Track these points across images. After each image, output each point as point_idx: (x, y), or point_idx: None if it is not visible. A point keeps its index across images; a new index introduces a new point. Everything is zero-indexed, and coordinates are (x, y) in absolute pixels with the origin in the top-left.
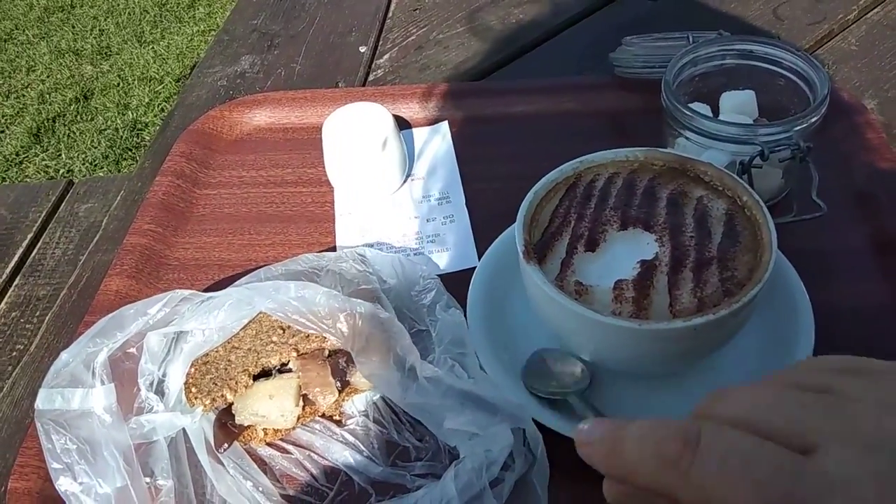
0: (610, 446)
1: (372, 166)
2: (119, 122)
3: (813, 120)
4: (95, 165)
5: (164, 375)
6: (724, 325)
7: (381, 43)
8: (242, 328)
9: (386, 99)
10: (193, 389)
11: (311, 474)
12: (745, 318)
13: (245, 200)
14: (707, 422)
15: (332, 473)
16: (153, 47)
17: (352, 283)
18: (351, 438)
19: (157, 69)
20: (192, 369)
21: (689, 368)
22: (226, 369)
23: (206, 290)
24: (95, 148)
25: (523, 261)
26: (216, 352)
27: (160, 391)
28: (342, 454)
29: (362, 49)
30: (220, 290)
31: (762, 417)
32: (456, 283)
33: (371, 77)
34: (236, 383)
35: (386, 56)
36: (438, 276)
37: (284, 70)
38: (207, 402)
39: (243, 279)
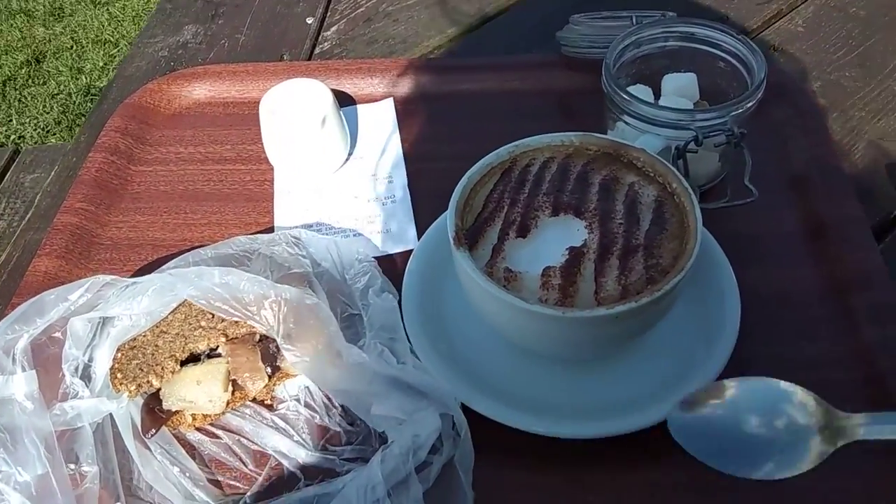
0: None
1: (311, 145)
2: (72, 86)
3: (748, 105)
4: (48, 132)
5: (90, 360)
6: (646, 313)
7: (328, 14)
8: (171, 312)
9: (330, 74)
10: (119, 375)
11: (241, 459)
12: (668, 305)
13: (182, 178)
14: None
15: (261, 458)
16: (108, 9)
17: (282, 268)
18: (281, 423)
19: (112, 32)
20: (119, 354)
21: (616, 353)
22: (153, 354)
23: (137, 272)
24: (48, 113)
25: (454, 247)
26: (144, 336)
27: (87, 376)
28: (272, 439)
29: (309, 20)
30: (153, 271)
31: None
32: (396, 264)
33: (317, 50)
34: (162, 369)
35: (333, 28)
36: (378, 257)
37: (228, 41)
38: (133, 387)
39: (171, 262)
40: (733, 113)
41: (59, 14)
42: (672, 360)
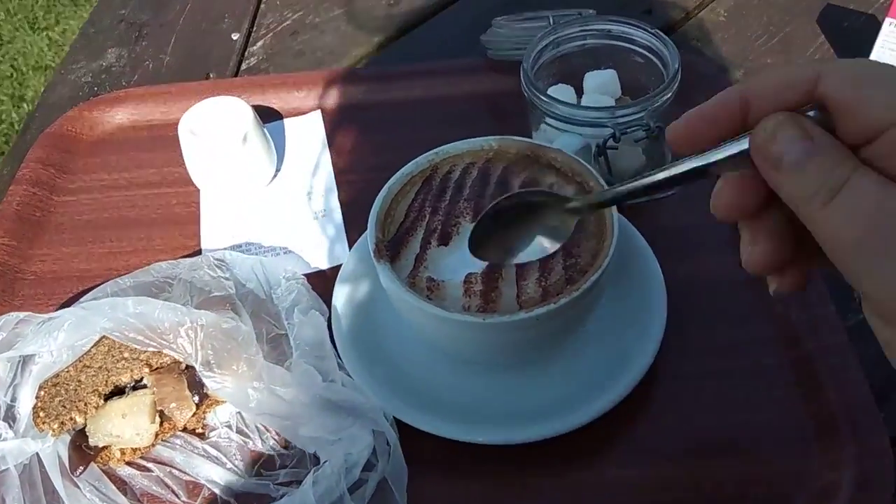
0: None
1: (234, 164)
2: (15, 115)
3: (664, 98)
4: None
5: (13, 400)
6: (567, 313)
7: (254, 29)
8: (94, 345)
9: (255, 89)
10: (42, 413)
11: (173, 491)
12: (590, 304)
13: (106, 205)
14: None
15: (193, 489)
16: (48, 34)
17: (203, 292)
18: (213, 451)
19: (53, 57)
20: (42, 392)
21: (547, 355)
22: (75, 390)
23: (62, 305)
24: None
25: (374, 259)
26: (67, 372)
27: (11, 417)
28: (204, 468)
29: (235, 36)
30: (78, 303)
31: None
32: (327, 280)
33: (244, 66)
34: (86, 405)
35: (259, 43)
36: (310, 274)
37: (153, 62)
38: (56, 426)
39: (89, 294)
40: (650, 107)
41: None
42: (604, 356)
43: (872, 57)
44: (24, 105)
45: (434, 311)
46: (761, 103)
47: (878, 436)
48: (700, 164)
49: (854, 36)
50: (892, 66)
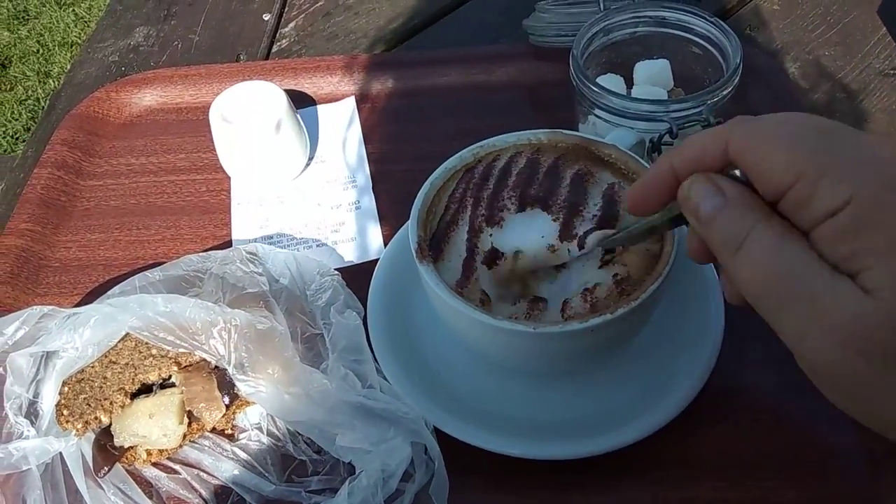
0: None
1: (267, 152)
2: (41, 91)
3: (725, 93)
4: (17, 139)
5: (35, 396)
6: (621, 324)
7: (286, 10)
8: (121, 340)
9: (287, 73)
10: (65, 412)
11: (200, 495)
12: (645, 315)
13: (134, 191)
14: None
15: (222, 493)
16: (73, 9)
17: (236, 288)
18: (243, 454)
19: (80, 33)
20: (66, 388)
21: (595, 367)
22: (101, 388)
23: (88, 295)
24: (16, 120)
25: (417, 261)
26: (92, 367)
27: (33, 413)
28: (233, 472)
29: (266, 17)
30: (103, 294)
31: None
32: (362, 275)
33: (275, 48)
34: (111, 403)
35: (291, 24)
36: (343, 268)
37: (182, 42)
38: (79, 425)
39: (116, 288)
40: (709, 101)
41: (23, 17)
42: (657, 370)
43: None
44: (50, 81)
45: (482, 318)
46: (687, 173)
47: None
48: (652, 223)
49: None
50: (794, 121)
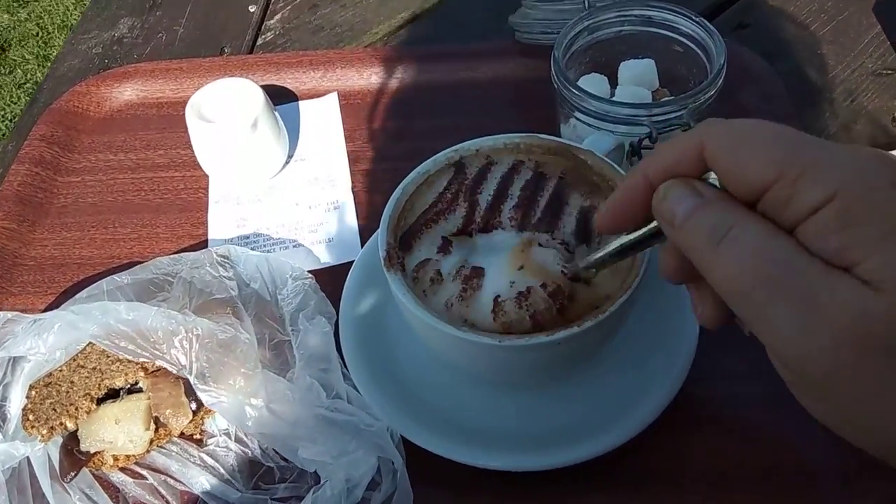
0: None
1: (244, 151)
2: (40, 74)
3: (708, 95)
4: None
5: (3, 400)
6: (588, 337)
7: (272, 1)
8: (89, 343)
9: (270, 68)
10: (31, 417)
11: (167, 501)
12: (614, 328)
13: (111, 188)
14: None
15: (188, 500)
16: None
17: (204, 293)
18: (210, 461)
19: (79, 16)
20: (34, 392)
21: (564, 378)
22: (67, 392)
23: (62, 294)
24: (15, 104)
25: (385, 268)
26: (60, 371)
27: (1, 417)
28: (200, 478)
29: (252, 8)
30: (77, 293)
31: None
32: (338, 276)
33: (260, 41)
34: (77, 409)
35: (277, 17)
36: (319, 270)
37: (166, 34)
38: (44, 431)
39: (83, 292)
40: (691, 105)
41: (23, 0)
42: (628, 381)
43: None
44: (49, 65)
45: (447, 329)
46: (661, 182)
47: None
48: (626, 241)
49: None
50: (769, 125)
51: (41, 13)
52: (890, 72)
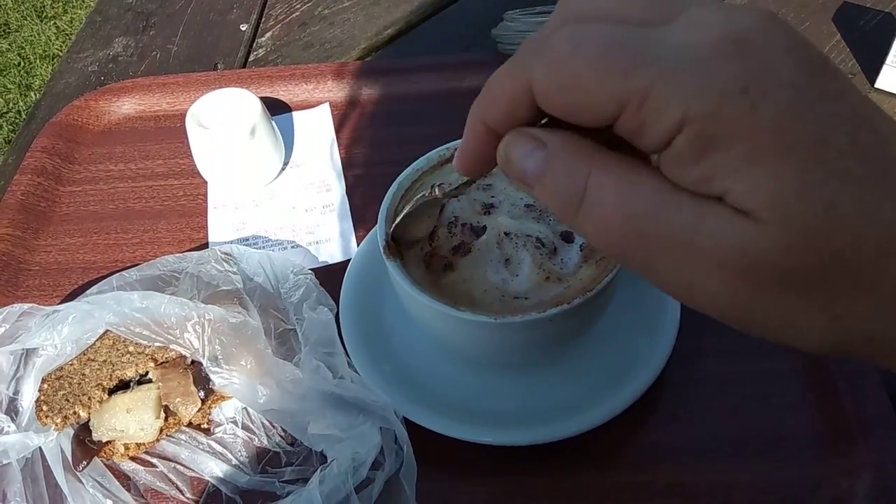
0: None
1: (242, 157)
2: (21, 104)
3: None
4: None
5: (15, 393)
6: (581, 314)
7: (263, 20)
8: (99, 338)
9: (263, 81)
10: (45, 407)
11: (177, 487)
12: (603, 304)
13: (112, 196)
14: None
15: (197, 485)
16: (55, 22)
17: (210, 286)
18: (218, 447)
19: (61, 46)
20: (45, 385)
21: (557, 356)
22: (79, 384)
23: (67, 297)
24: None
25: (384, 257)
26: (71, 365)
27: (14, 410)
28: (208, 464)
29: (243, 27)
30: (82, 296)
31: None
32: (335, 275)
33: (252, 57)
34: (89, 399)
35: (268, 34)
36: (317, 269)
37: (160, 52)
38: (58, 420)
39: (94, 287)
40: None
41: (4, 30)
42: (617, 358)
43: (890, 58)
44: (31, 94)
45: (444, 309)
46: (507, 129)
47: (895, 442)
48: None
49: (871, 34)
50: (593, 38)
51: (23, 43)
52: (851, 76)
